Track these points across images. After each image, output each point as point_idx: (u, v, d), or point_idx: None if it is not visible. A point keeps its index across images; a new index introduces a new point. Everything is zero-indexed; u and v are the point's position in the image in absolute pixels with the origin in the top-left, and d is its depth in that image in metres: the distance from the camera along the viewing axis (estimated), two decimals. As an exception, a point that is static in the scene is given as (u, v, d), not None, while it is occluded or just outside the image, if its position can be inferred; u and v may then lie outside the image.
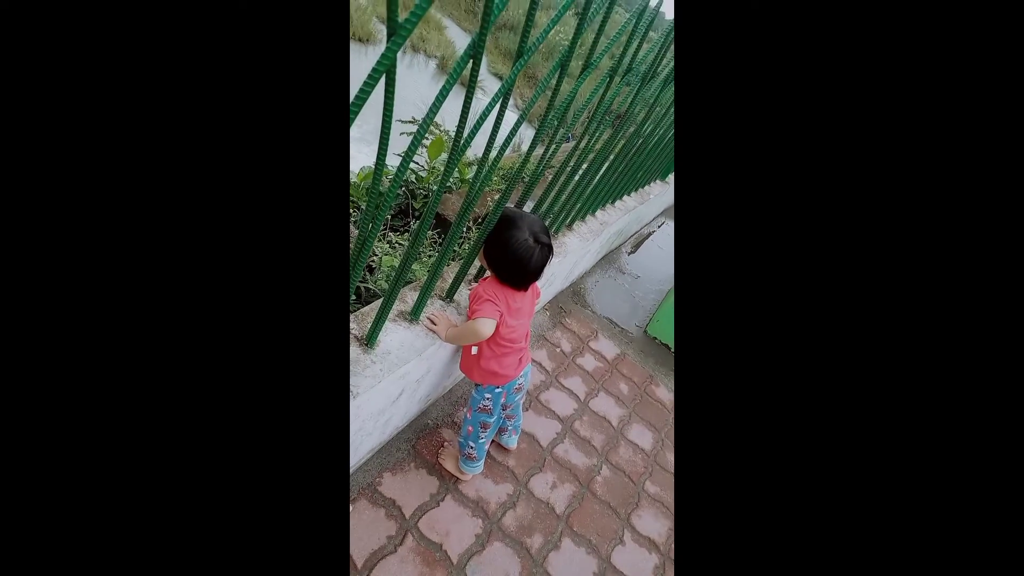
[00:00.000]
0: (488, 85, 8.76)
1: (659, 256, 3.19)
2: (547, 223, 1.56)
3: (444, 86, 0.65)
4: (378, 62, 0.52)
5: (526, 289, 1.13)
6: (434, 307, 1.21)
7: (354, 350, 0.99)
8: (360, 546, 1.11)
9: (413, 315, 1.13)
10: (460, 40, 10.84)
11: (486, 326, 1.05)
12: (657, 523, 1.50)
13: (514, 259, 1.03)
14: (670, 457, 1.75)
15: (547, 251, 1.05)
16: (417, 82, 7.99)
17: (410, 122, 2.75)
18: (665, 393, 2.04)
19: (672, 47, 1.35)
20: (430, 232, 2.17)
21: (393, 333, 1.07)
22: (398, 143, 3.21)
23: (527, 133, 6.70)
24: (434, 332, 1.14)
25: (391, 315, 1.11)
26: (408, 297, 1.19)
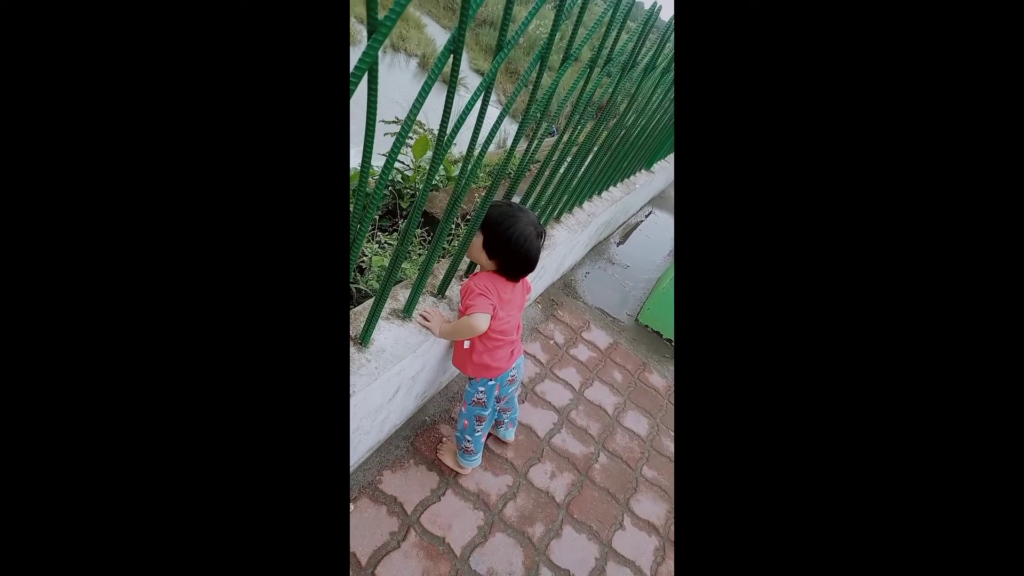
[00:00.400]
0: (470, 81, 8.72)
1: (647, 245, 3.22)
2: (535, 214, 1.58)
3: (425, 83, 0.66)
4: (360, 60, 0.53)
5: (518, 280, 1.14)
6: (426, 304, 1.22)
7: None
8: (363, 544, 1.12)
9: (406, 312, 1.14)
10: (440, 37, 10.78)
11: (481, 320, 1.06)
12: (656, 506, 1.52)
13: (518, 250, 1.06)
14: (666, 442, 1.78)
15: (542, 239, 1.10)
16: (399, 81, 7.94)
17: (393, 122, 2.74)
18: (658, 379, 2.07)
19: (649, 36, 1.36)
20: (419, 230, 2.17)
21: (386, 331, 1.08)
22: (382, 144, 3.19)
23: (510, 128, 6.70)
24: (427, 328, 1.15)
25: (384, 313, 1.11)
26: (400, 295, 1.19)
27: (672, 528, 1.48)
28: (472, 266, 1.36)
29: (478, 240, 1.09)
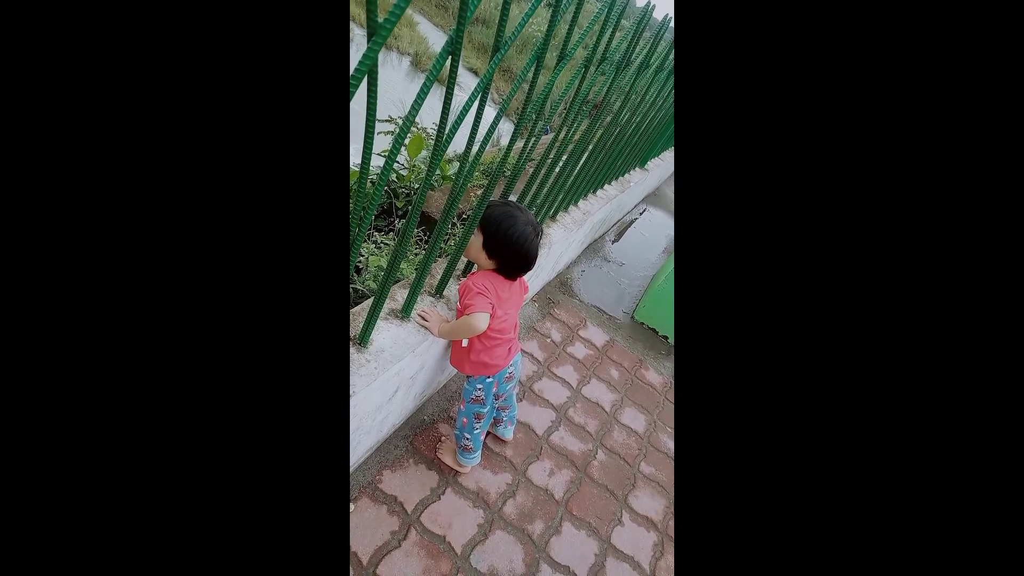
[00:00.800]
0: (463, 80, 8.69)
1: (642, 243, 3.23)
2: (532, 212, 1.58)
3: (424, 85, 0.66)
4: (360, 63, 0.53)
5: (515, 279, 1.15)
6: (424, 303, 1.22)
7: (347, 350, 1.00)
8: (364, 543, 1.12)
9: (404, 312, 1.14)
10: (432, 35, 10.73)
11: (481, 320, 1.06)
12: (654, 502, 1.54)
13: (518, 250, 1.07)
14: (663, 438, 1.80)
15: (540, 238, 1.11)
16: (392, 79, 7.90)
17: (387, 121, 2.73)
18: (655, 376, 2.08)
19: (643, 34, 1.37)
20: (415, 230, 2.17)
21: (385, 331, 1.08)
22: (376, 142, 3.18)
23: (505, 127, 6.69)
24: (426, 328, 1.15)
25: (382, 313, 1.11)
26: (398, 295, 1.19)
27: (670, 523, 1.49)
28: (469, 265, 1.36)
29: (477, 240, 1.10)
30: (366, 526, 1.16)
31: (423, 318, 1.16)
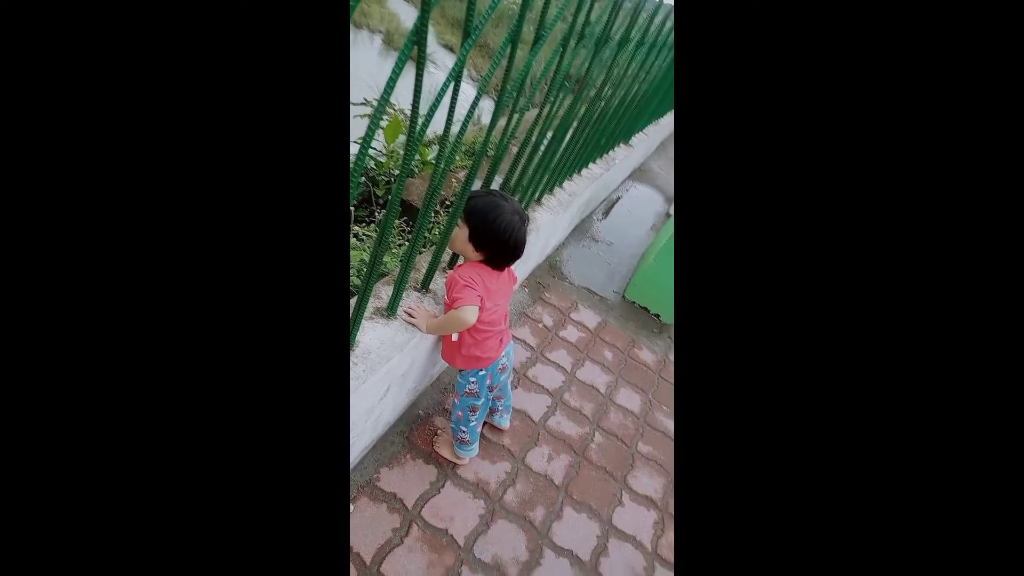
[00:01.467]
0: (439, 58, 8.44)
1: (629, 220, 3.20)
2: (516, 199, 1.54)
3: (393, 71, 0.61)
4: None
5: (503, 269, 1.12)
6: (410, 299, 1.19)
7: (334, 353, 0.96)
8: (366, 542, 1.12)
9: (389, 310, 1.11)
10: (403, 10, 10.35)
11: (470, 313, 1.04)
12: (653, 481, 1.55)
13: (506, 241, 1.04)
14: (659, 416, 1.80)
15: (526, 225, 1.08)
16: (364, 59, 7.64)
17: (362, 104, 2.63)
18: (649, 355, 2.08)
19: (622, 6, 1.31)
20: (397, 220, 2.11)
21: (371, 331, 1.05)
22: (354, 127, 3.08)
23: (487, 104, 6.54)
24: (413, 325, 1.12)
25: (367, 313, 1.08)
26: (382, 292, 1.15)
27: (670, 501, 1.51)
28: (456, 256, 1.33)
29: (462, 233, 1.06)
30: (367, 525, 1.14)
31: (410, 315, 1.13)
